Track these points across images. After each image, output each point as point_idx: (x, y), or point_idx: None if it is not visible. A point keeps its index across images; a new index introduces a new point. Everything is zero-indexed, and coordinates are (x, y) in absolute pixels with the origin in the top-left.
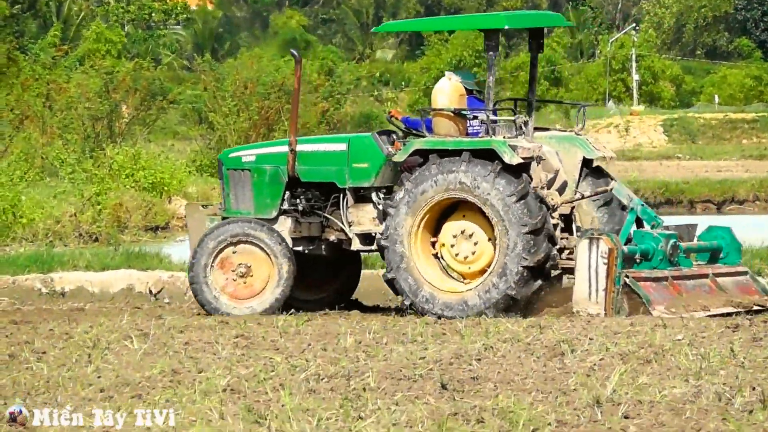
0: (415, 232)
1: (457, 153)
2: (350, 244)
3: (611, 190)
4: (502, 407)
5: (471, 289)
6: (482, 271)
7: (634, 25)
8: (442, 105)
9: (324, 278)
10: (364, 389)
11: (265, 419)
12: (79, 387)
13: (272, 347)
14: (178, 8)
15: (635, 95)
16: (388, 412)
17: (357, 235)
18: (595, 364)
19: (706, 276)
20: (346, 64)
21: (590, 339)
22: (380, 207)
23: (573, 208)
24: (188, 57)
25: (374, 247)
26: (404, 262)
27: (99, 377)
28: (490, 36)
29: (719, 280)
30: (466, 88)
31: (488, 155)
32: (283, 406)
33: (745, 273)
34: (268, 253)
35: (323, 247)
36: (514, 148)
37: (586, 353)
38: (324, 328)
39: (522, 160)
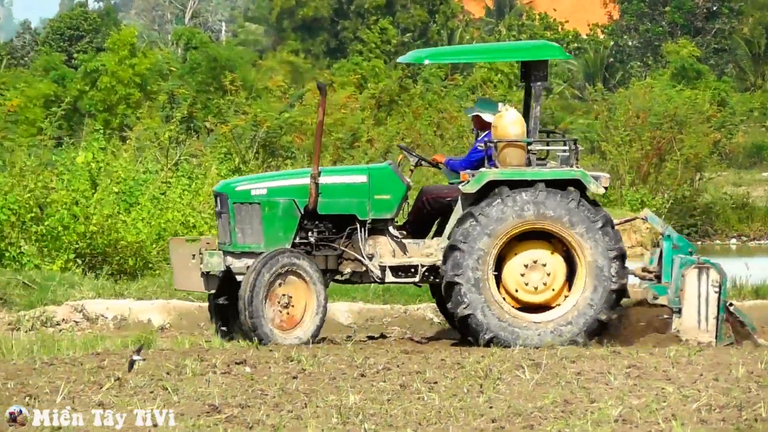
0: (505, 234)
1: (534, 184)
2: (367, 277)
3: (645, 218)
4: None
5: (560, 317)
6: (548, 301)
7: None
8: (516, 136)
9: None
10: (756, 420)
11: None
12: (470, 417)
13: (664, 377)
14: (569, 37)
15: None
16: None
17: (381, 267)
18: None
19: None
20: (739, 95)
21: None
22: (398, 239)
23: None
24: (579, 86)
25: (396, 279)
26: (482, 251)
27: (491, 407)
28: (538, 66)
29: None
30: (486, 121)
31: (558, 185)
32: None
33: None
34: (307, 282)
35: (336, 279)
36: (596, 177)
37: None
38: (716, 359)
39: (605, 190)
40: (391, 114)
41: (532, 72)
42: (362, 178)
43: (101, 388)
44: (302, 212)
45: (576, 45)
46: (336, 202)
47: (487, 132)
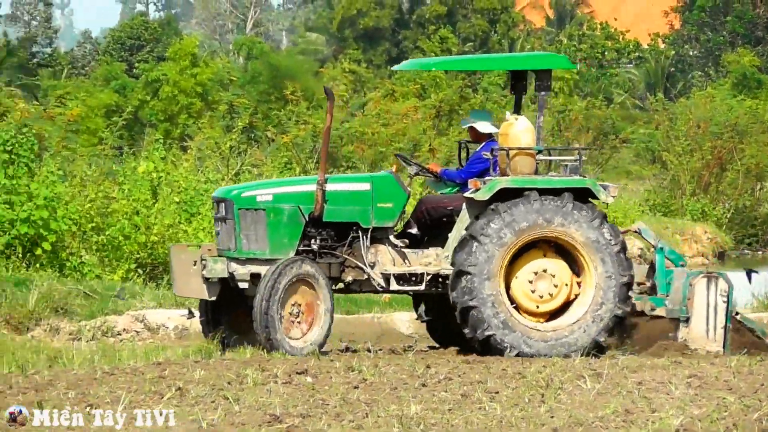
0: (501, 266)
1: (550, 192)
2: (368, 286)
3: (638, 231)
4: None
5: (591, 304)
6: (567, 298)
7: None
8: (527, 144)
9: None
10: None
11: None
12: (531, 427)
13: (725, 387)
14: (630, 47)
15: None
16: None
17: (384, 275)
18: None
19: None
20: None
21: None
22: (399, 247)
23: None
24: (640, 96)
25: (400, 287)
26: (493, 296)
27: (552, 417)
28: (541, 76)
29: None
30: (482, 132)
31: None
32: None
33: None
34: (315, 290)
35: (338, 287)
36: (604, 187)
37: None
38: None
39: (613, 199)
40: (452, 124)
41: (536, 82)
42: (365, 186)
43: (162, 397)
44: (307, 219)
45: (637, 54)
46: (340, 209)
47: (486, 142)
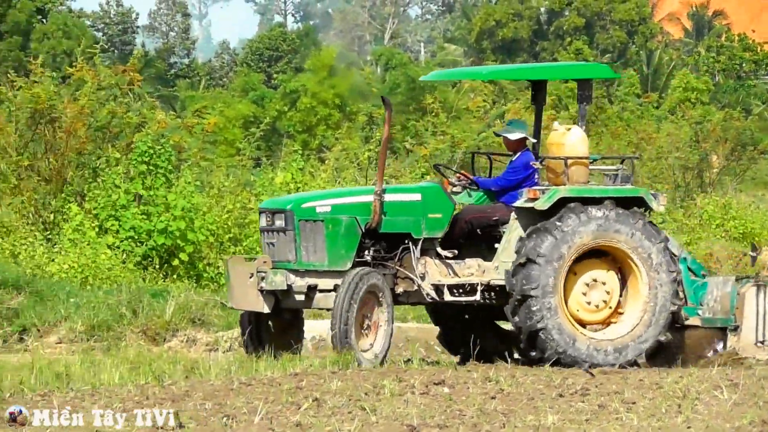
0: (561, 279)
1: (603, 201)
2: (416, 297)
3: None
4: None
5: (622, 337)
6: (606, 320)
7: None
8: (582, 153)
9: (285, 333)
10: None
11: None
12: None
13: None
14: None
15: None
16: None
17: (436, 287)
18: None
19: None
20: None
21: None
22: (447, 258)
23: None
24: None
25: (454, 298)
26: (554, 311)
27: (689, 428)
28: (584, 87)
29: None
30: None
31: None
32: None
33: None
34: (381, 302)
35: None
36: (654, 196)
37: None
38: None
39: (663, 208)
40: (589, 134)
41: (578, 92)
42: (416, 197)
43: (299, 408)
44: (363, 230)
45: None
46: (394, 220)
47: (523, 152)
